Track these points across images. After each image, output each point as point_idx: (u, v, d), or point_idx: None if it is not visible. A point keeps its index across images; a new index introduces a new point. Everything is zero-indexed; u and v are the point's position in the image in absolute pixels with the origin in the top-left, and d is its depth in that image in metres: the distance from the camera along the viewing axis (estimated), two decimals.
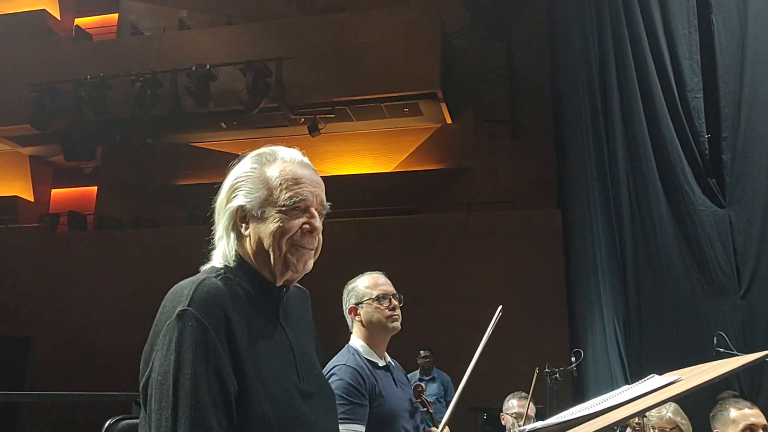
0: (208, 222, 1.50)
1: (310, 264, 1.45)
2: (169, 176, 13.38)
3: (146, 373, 1.26)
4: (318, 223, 1.43)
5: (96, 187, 14.39)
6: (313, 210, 1.42)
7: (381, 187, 12.36)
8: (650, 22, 7.39)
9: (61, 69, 12.49)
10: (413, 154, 12.80)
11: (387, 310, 2.54)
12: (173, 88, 11.70)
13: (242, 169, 1.45)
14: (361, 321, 2.56)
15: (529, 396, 4.01)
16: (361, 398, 2.33)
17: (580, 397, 7.87)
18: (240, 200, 1.42)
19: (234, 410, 1.24)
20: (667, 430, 3.35)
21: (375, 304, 2.55)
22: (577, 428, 1.20)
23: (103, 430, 1.52)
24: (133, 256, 11.44)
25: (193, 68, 11.41)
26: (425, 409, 2.71)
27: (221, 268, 1.41)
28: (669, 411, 3.36)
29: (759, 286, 6.48)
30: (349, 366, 2.41)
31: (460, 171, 12.31)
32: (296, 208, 1.40)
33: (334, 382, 2.34)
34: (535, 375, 4.31)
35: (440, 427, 2.41)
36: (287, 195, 1.39)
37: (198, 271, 1.42)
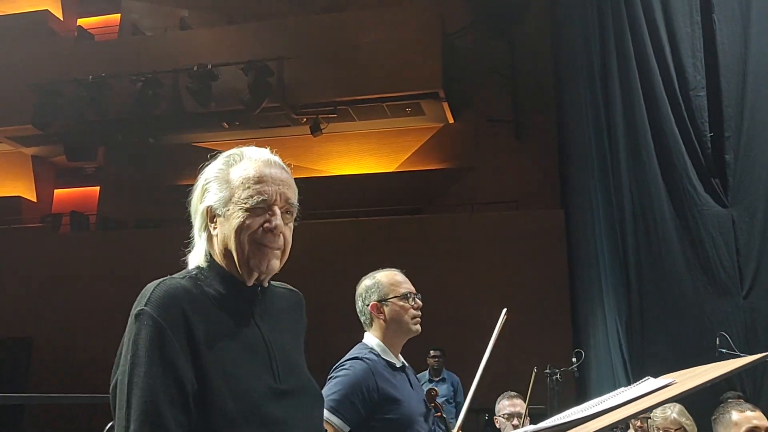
0: None
1: (275, 264, 1.42)
2: (171, 176, 13.37)
3: (114, 375, 1.28)
4: (278, 221, 1.40)
5: (98, 187, 14.40)
6: (275, 208, 1.40)
7: (383, 187, 12.34)
8: (652, 20, 7.36)
9: (63, 69, 12.50)
10: (415, 154, 12.78)
11: (412, 310, 2.43)
12: (175, 88, 11.71)
13: (212, 170, 1.47)
14: (384, 319, 2.42)
15: (528, 395, 3.99)
16: (357, 398, 2.20)
17: (582, 398, 7.83)
18: (208, 200, 1.43)
19: (192, 408, 1.24)
20: (672, 430, 3.33)
21: (401, 302, 2.42)
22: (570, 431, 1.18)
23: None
24: (136, 256, 11.43)
25: (195, 68, 11.41)
26: (438, 413, 2.64)
27: (194, 269, 1.43)
28: (674, 412, 3.34)
29: (762, 286, 6.45)
30: (363, 360, 2.30)
31: (462, 171, 12.29)
32: (258, 207, 1.39)
33: (341, 375, 2.26)
34: (533, 375, 4.28)
35: (455, 429, 2.37)
36: (248, 193, 1.39)
37: None
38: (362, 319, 2.51)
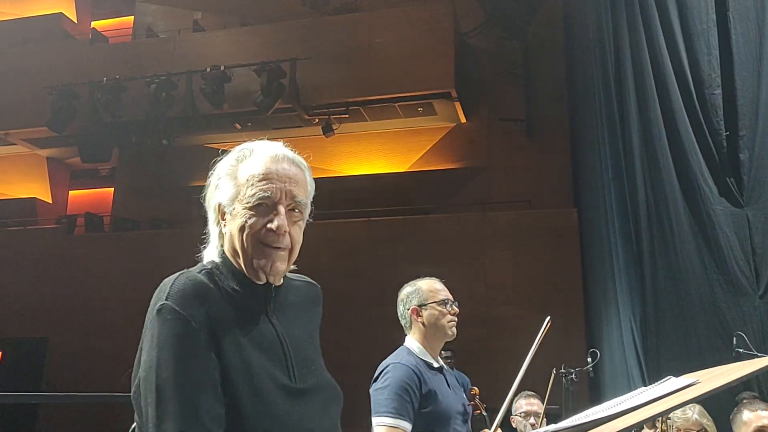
0: None
1: (280, 266, 1.39)
2: (185, 177, 13.43)
3: (137, 374, 1.27)
4: (281, 220, 1.35)
5: (113, 189, 14.50)
6: (279, 207, 1.36)
7: (395, 187, 12.34)
8: (666, 18, 7.32)
9: (77, 72, 12.60)
10: (427, 154, 12.77)
11: (449, 315, 2.63)
12: (188, 89, 11.76)
13: (223, 166, 1.45)
14: (422, 322, 2.61)
15: (546, 396, 3.98)
16: (411, 397, 2.37)
17: (596, 398, 7.81)
18: (218, 197, 1.42)
19: (221, 400, 1.23)
20: (694, 431, 3.31)
21: (439, 308, 2.62)
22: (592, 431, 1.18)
23: None
24: (150, 257, 11.50)
25: (208, 70, 11.46)
26: (478, 411, 2.76)
27: (209, 264, 1.41)
28: (695, 413, 3.32)
29: None
30: (403, 364, 2.46)
31: (474, 171, 12.26)
32: (261, 205, 1.36)
33: (387, 379, 2.40)
34: (553, 376, 4.27)
35: (492, 429, 2.44)
36: (251, 192, 1.36)
37: None
38: (403, 322, 2.69)
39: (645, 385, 1.37)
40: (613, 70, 7.91)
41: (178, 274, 1.34)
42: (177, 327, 1.23)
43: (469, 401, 2.65)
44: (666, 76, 7.24)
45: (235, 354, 1.28)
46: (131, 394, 1.28)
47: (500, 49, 12.21)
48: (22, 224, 13.45)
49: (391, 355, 2.58)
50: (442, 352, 7.77)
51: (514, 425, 4.28)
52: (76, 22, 15.65)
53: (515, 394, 2.53)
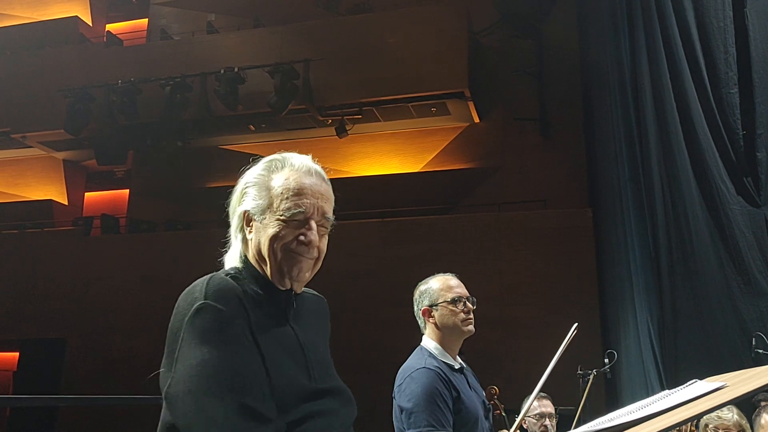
0: None
1: (307, 274, 1.45)
2: (200, 179, 13.50)
3: (171, 375, 1.27)
4: (314, 235, 1.42)
5: (128, 191, 14.60)
6: (312, 223, 1.42)
7: (409, 187, 12.33)
8: (682, 15, 7.26)
9: (93, 74, 12.71)
10: (441, 154, 12.74)
11: (462, 314, 2.52)
12: (202, 91, 11.82)
13: (252, 174, 1.48)
14: (435, 323, 2.54)
15: (581, 402, 3.94)
16: (446, 402, 2.32)
17: (613, 400, 7.75)
18: (246, 205, 1.45)
19: (268, 391, 1.27)
20: (732, 431, 3.25)
21: (450, 307, 2.53)
22: None
23: None
24: (165, 258, 11.58)
25: (222, 71, 11.52)
26: (498, 411, 2.70)
27: (231, 269, 1.45)
28: (734, 413, 3.27)
29: None
30: (429, 369, 2.38)
31: (488, 170, 12.22)
32: (295, 220, 1.41)
33: (415, 388, 2.33)
34: (591, 381, 4.23)
35: (512, 429, 2.41)
36: (287, 205, 1.40)
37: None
38: (419, 323, 2.62)
39: (662, 387, 1.35)
40: (629, 68, 7.85)
41: (208, 276, 1.36)
42: (222, 324, 1.27)
43: (489, 401, 2.60)
44: (682, 74, 7.18)
45: (268, 353, 1.32)
46: (163, 394, 1.29)
47: (514, 48, 12.16)
48: (38, 226, 13.57)
49: (410, 358, 2.52)
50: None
51: (525, 426, 4.26)
52: (91, 25, 15.78)
53: (536, 397, 2.49)
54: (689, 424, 3.10)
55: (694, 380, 1.29)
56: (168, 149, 12.86)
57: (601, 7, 8.76)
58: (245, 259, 1.45)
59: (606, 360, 5.40)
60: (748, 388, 1.07)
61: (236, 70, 11.49)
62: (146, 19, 15.37)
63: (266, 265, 1.41)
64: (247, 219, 1.45)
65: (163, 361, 1.31)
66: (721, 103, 6.94)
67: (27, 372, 12.36)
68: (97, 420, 10.82)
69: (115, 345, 11.30)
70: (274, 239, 1.39)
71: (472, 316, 2.56)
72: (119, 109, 12.11)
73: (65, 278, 12.12)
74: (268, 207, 1.41)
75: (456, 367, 2.51)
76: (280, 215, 1.40)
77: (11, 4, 15.96)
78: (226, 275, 1.40)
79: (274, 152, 1.52)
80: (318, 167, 1.49)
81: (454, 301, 2.53)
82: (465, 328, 2.53)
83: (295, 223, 1.40)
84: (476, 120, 12.46)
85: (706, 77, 7.02)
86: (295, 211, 1.40)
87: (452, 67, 11.48)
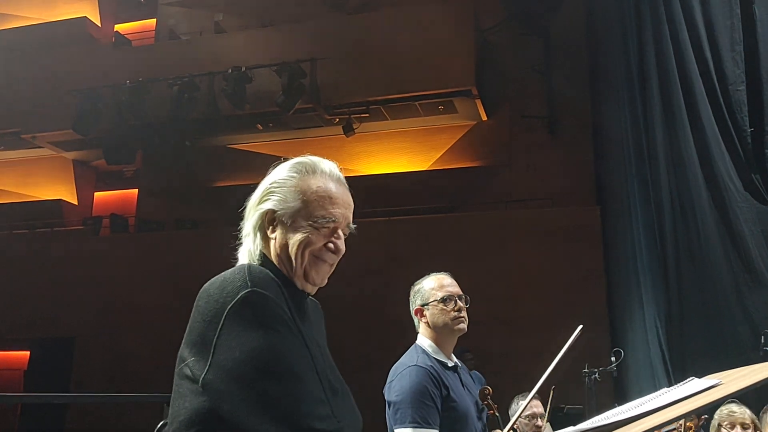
0: None
1: (326, 278, 1.51)
2: (208, 178, 13.56)
3: (208, 363, 1.27)
4: (342, 245, 1.48)
5: (137, 190, 14.67)
6: (340, 232, 1.48)
7: (416, 185, 12.32)
8: (690, 13, 7.23)
9: (101, 75, 12.77)
10: (449, 152, 12.73)
11: (452, 312, 2.54)
12: (210, 91, 11.85)
13: (279, 175, 1.50)
14: (427, 322, 2.57)
15: (588, 396, 3.95)
16: (434, 401, 2.33)
17: (621, 399, 7.73)
18: (271, 204, 1.47)
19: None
20: (749, 425, 3.24)
21: (440, 305, 2.55)
22: None
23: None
24: (174, 257, 11.63)
25: (229, 71, 11.55)
26: (492, 411, 2.70)
27: (250, 265, 1.45)
28: (744, 407, 3.25)
29: None
30: (420, 366, 2.40)
31: (496, 168, 12.20)
32: (325, 227, 1.45)
33: (404, 384, 2.35)
34: (595, 376, 4.22)
35: (505, 430, 2.41)
36: (321, 213, 1.45)
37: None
38: (414, 321, 2.65)
39: (670, 384, 1.36)
40: (636, 65, 7.82)
41: (243, 266, 1.38)
42: (274, 310, 1.31)
43: (482, 401, 2.61)
44: (690, 71, 7.15)
45: (309, 343, 1.38)
46: (200, 382, 1.27)
47: (521, 46, 12.12)
48: (48, 226, 13.66)
49: (404, 356, 2.54)
50: (463, 354, 7.74)
51: (516, 427, 4.25)
52: (99, 25, 15.85)
53: (527, 398, 2.49)
54: (684, 420, 3.09)
55: (691, 378, 1.30)
56: (176, 149, 12.92)
57: (608, 4, 8.73)
58: (263, 257, 1.47)
59: (612, 358, 5.40)
60: (742, 385, 1.08)
61: (243, 69, 11.52)
62: (154, 20, 15.42)
63: (290, 267, 1.45)
64: (270, 218, 1.47)
65: (188, 350, 1.31)
66: (728, 100, 6.91)
67: (37, 370, 12.45)
68: (105, 417, 10.89)
69: (123, 343, 11.36)
70: (303, 244, 1.43)
71: (464, 314, 2.57)
72: (127, 109, 12.17)
73: (74, 277, 12.20)
74: (300, 211, 1.45)
75: (450, 365, 2.52)
76: (313, 221, 1.44)
77: (20, 5, 16.06)
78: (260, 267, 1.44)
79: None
80: (341, 175, 1.56)
81: (444, 300, 2.55)
82: (456, 327, 2.54)
83: (325, 231, 1.45)
84: (484, 118, 12.44)
85: (714, 74, 6.99)
86: (329, 220, 1.45)
87: (459, 65, 11.47)
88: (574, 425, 1.35)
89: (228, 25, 14.02)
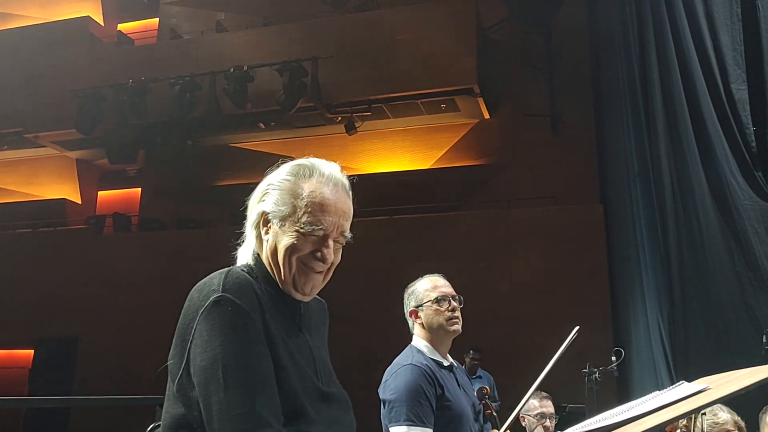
0: None
1: (318, 287, 1.46)
2: (210, 177, 13.57)
3: (182, 366, 1.28)
4: (330, 254, 1.41)
5: (140, 189, 14.70)
6: (330, 241, 1.41)
7: (419, 184, 12.31)
8: (692, 12, 7.19)
9: (104, 74, 12.79)
10: (451, 151, 12.71)
11: (447, 312, 2.54)
12: (212, 90, 11.86)
13: (277, 176, 1.46)
14: (421, 323, 2.57)
15: (587, 395, 3.93)
16: (428, 400, 2.33)
17: (624, 398, 7.71)
18: (265, 206, 1.44)
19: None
20: (732, 430, 3.21)
21: (435, 306, 2.54)
22: None
23: None
24: (177, 256, 11.65)
25: (231, 70, 11.55)
26: (489, 411, 2.70)
27: (245, 266, 1.44)
28: (725, 411, 3.23)
29: None
30: (414, 365, 2.40)
31: (498, 167, 12.18)
32: (314, 235, 1.40)
33: (399, 383, 2.35)
34: (596, 375, 4.20)
35: (502, 429, 2.40)
36: (308, 219, 1.39)
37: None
38: (409, 323, 2.65)
39: (673, 384, 1.34)
40: (639, 63, 7.79)
41: (225, 270, 1.37)
42: (239, 317, 1.27)
43: (480, 400, 2.60)
44: (692, 69, 7.11)
45: (282, 351, 1.33)
46: (175, 387, 1.30)
47: (523, 44, 12.10)
48: (52, 225, 13.70)
49: (399, 356, 2.54)
50: (471, 351, 7.74)
51: (523, 424, 4.24)
52: (102, 25, 15.88)
53: (531, 397, 2.48)
54: (683, 420, 3.06)
55: (681, 381, 1.29)
56: (178, 148, 12.93)
57: (610, 2, 8.70)
58: (258, 258, 1.45)
59: (614, 358, 5.37)
60: (730, 390, 1.06)
61: (245, 68, 11.52)
62: (157, 19, 15.46)
63: (279, 272, 1.41)
64: (264, 219, 1.44)
65: (171, 351, 1.33)
66: (731, 98, 6.87)
67: (41, 370, 12.50)
68: (109, 415, 10.91)
69: (127, 342, 11.39)
70: (290, 250, 1.39)
71: (458, 314, 2.56)
72: (130, 108, 12.19)
73: (78, 276, 12.24)
74: (290, 215, 1.41)
75: (445, 365, 2.52)
76: (300, 228, 1.39)
77: (23, 5, 16.11)
78: (242, 270, 1.41)
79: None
80: (344, 179, 1.48)
81: (438, 301, 2.55)
82: (451, 328, 2.54)
83: (313, 238, 1.40)
84: (486, 116, 12.42)
85: (717, 72, 6.96)
86: (316, 228, 1.39)
87: (462, 64, 11.44)
88: (575, 425, 1.34)
89: (230, 25, 14.03)
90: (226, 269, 1.38)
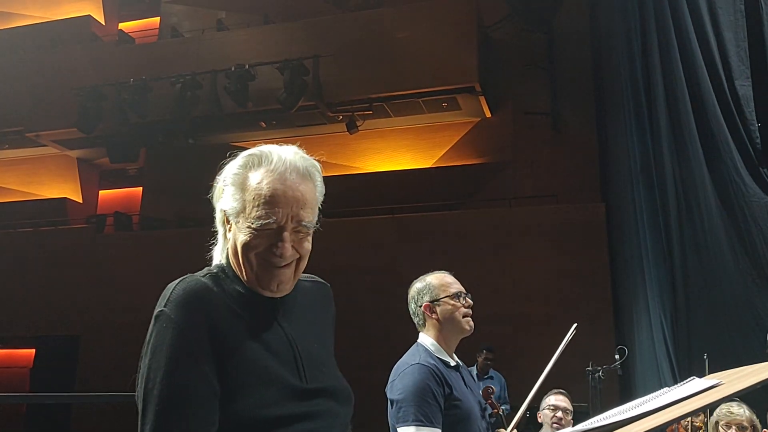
0: None
1: (287, 283, 1.35)
2: (211, 176, 13.40)
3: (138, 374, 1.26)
4: (287, 248, 1.30)
5: (141, 188, 14.69)
6: (285, 234, 1.30)
7: (420, 183, 12.29)
8: (695, 9, 7.16)
9: (105, 73, 12.78)
10: (452, 149, 12.69)
11: (463, 308, 2.51)
12: (213, 88, 11.84)
13: (230, 170, 1.38)
14: (437, 319, 2.51)
15: (592, 394, 3.93)
16: (436, 399, 2.30)
17: (626, 397, 7.68)
18: (223, 203, 1.37)
19: (214, 410, 1.21)
20: (747, 427, 3.19)
21: (452, 302, 2.50)
22: None
23: None
24: (178, 255, 11.58)
25: (232, 68, 11.53)
26: (495, 410, 2.68)
27: (215, 267, 1.39)
28: (745, 408, 3.21)
29: None
30: (422, 365, 2.37)
31: (500, 165, 12.15)
32: (266, 229, 1.30)
33: (407, 382, 2.32)
34: (599, 374, 4.22)
35: (509, 429, 2.39)
36: (257, 214, 1.29)
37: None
38: (416, 320, 2.59)
39: (675, 382, 1.32)
40: (641, 60, 7.76)
41: (181, 278, 1.31)
42: (170, 336, 1.21)
43: (486, 400, 2.58)
44: (695, 66, 7.08)
45: (241, 359, 1.26)
46: (136, 395, 1.28)
47: (524, 42, 12.07)
48: (53, 224, 13.69)
49: (405, 355, 2.50)
50: (484, 351, 7.71)
51: (540, 420, 4.25)
52: (103, 23, 15.88)
53: (533, 397, 2.46)
54: (691, 418, 3.05)
55: (692, 377, 1.27)
56: (179, 147, 12.91)
57: (612, 0, 8.67)
58: (227, 257, 1.39)
59: (617, 356, 5.35)
60: (742, 385, 1.04)
61: (246, 67, 11.50)
62: (158, 18, 15.45)
63: (242, 271, 1.34)
64: (226, 217, 1.37)
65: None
66: (735, 95, 6.85)
67: (43, 368, 12.50)
68: (110, 413, 10.90)
69: (128, 341, 11.34)
70: (246, 248, 1.31)
71: (470, 311, 2.54)
72: (131, 107, 12.17)
73: (79, 275, 12.23)
74: (242, 211, 1.32)
75: (452, 364, 2.49)
76: (251, 223, 1.30)
77: (24, 4, 16.10)
78: (206, 275, 1.35)
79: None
80: (299, 161, 1.36)
81: (456, 296, 2.51)
82: (467, 325, 2.51)
83: (267, 232, 1.30)
84: (487, 115, 12.40)
85: (721, 69, 6.93)
86: (266, 222, 1.29)
87: (463, 62, 11.42)
88: (578, 424, 1.32)
89: (231, 23, 14.01)
90: (185, 276, 1.32)
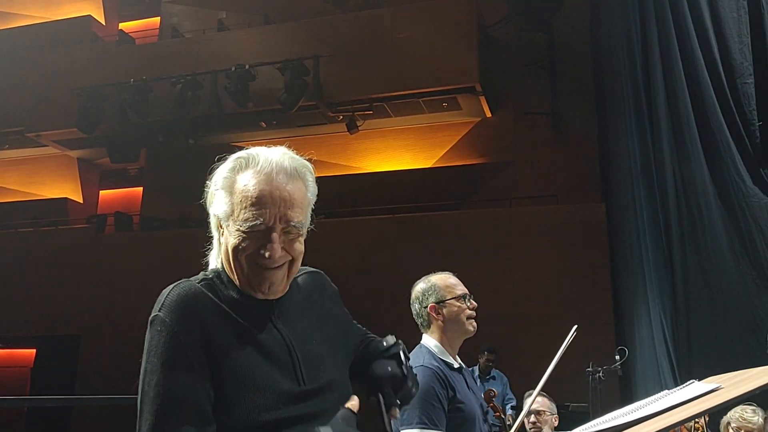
0: None
1: (279, 285, 1.35)
2: (211, 176, 13.54)
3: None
4: (275, 249, 1.29)
5: (141, 188, 14.69)
6: (273, 235, 1.29)
7: (421, 183, 12.29)
8: (696, 5, 7.14)
9: (106, 73, 12.79)
10: (452, 149, 12.68)
11: (468, 310, 2.52)
12: (213, 89, 11.84)
13: (220, 174, 1.39)
14: (442, 320, 2.50)
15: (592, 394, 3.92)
16: (441, 402, 2.30)
17: (627, 396, 7.68)
18: (214, 208, 1.38)
19: (208, 413, 1.22)
20: None
21: (458, 303, 2.51)
22: None
23: None
24: (178, 256, 11.57)
25: (233, 69, 11.53)
26: (497, 413, 2.68)
27: (210, 272, 1.39)
28: (759, 416, 3.19)
29: None
30: (427, 367, 2.37)
31: (500, 165, 12.15)
32: (254, 231, 1.29)
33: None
34: (599, 375, 4.20)
35: (512, 430, 2.38)
36: (245, 216, 1.29)
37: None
38: (419, 321, 2.59)
39: (675, 383, 1.32)
40: (641, 60, 7.74)
41: (176, 283, 1.31)
42: (165, 340, 1.23)
43: (488, 403, 2.59)
44: (696, 65, 7.06)
45: (235, 364, 1.26)
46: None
47: (525, 42, 12.06)
48: (53, 224, 13.69)
49: (411, 354, 2.51)
50: (486, 352, 7.72)
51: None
52: (104, 24, 15.88)
53: (534, 402, 2.46)
54: (694, 421, 3.04)
55: (691, 381, 1.26)
56: (179, 147, 12.91)
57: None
58: (221, 261, 1.39)
59: (617, 357, 5.35)
60: (743, 390, 1.04)
61: (247, 67, 11.50)
62: (158, 18, 15.44)
63: (235, 275, 1.34)
64: (218, 222, 1.38)
65: None
66: (736, 93, 6.82)
67: (43, 368, 12.50)
68: (111, 413, 10.90)
69: (128, 341, 11.34)
70: (236, 250, 1.31)
71: (474, 313, 2.55)
72: (131, 107, 12.17)
73: (80, 275, 12.22)
74: (231, 214, 1.32)
75: (455, 366, 2.49)
76: (240, 226, 1.30)
77: (25, 4, 16.10)
78: (201, 281, 1.35)
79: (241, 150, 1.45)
80: (287, 162, 1.35)
81: (461, 298, 2.52)
82: (471, 327, 2.52)
83: (256, 234, 1.30)
84: (487, 115, 12.40)
85: (721, 67, 6.90)
86: (253, 223, 1.28)
87: (463, 62, 11.42)
88: (579, 425, 1.32)
89: (231, 23, 14.01)
90: (180, 281, 1.32)
